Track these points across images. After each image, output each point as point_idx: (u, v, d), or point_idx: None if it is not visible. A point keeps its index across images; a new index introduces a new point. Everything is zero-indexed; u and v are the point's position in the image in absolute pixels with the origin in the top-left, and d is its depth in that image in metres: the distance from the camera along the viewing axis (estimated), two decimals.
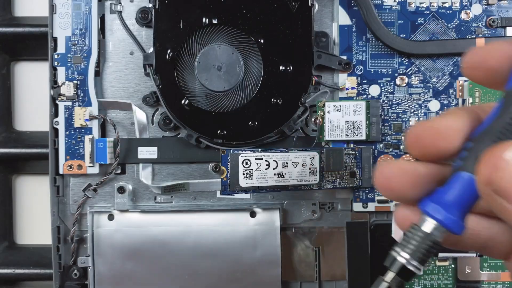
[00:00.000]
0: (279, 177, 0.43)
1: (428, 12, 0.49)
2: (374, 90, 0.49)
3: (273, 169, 0.43)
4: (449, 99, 0.49)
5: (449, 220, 0.20)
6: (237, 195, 0.50)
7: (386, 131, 0.49)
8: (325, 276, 0.51)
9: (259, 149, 0.42)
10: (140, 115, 0.49)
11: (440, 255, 0.49)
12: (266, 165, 0.42)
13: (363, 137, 0.48)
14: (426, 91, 0.49)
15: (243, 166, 0.42)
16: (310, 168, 0.44)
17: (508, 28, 0.48)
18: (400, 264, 0.20)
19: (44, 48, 0.50)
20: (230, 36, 0.46)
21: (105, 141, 0.49)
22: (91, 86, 0.49)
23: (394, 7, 0.49)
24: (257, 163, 0.42)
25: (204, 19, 0.45)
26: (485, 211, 0.21)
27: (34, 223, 0.58)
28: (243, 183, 0.42)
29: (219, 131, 0.46)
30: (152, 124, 0.50)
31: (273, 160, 0.43)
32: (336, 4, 0.49)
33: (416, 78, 0.49)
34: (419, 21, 0.49)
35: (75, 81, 0.49)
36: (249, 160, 0.42)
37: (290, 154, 0.43)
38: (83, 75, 0.49)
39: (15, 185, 0.59)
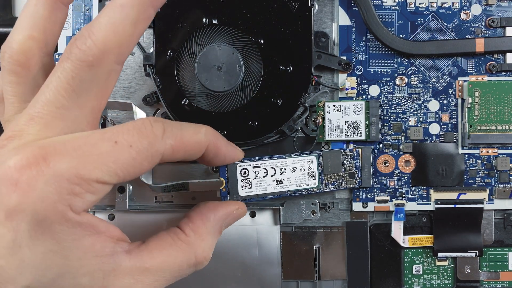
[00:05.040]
0: (278, 183, 0.43)
1: (427, 12, 0.49)
2: (374, 90, 0.49)
3: (271, 176, 0.43)
4: (448, 99, 0.49)
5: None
6: None
7: (385, 131, 0.49)
8: (325, 276, 0.51)
9: (256, 157, 0.42)
10: (140, 115, 0.49)
11: (440, 254, 0.49)
12: (264, 172, 0.42)
13: (363, 137, 0.48)
14: (425, 91, 0.49)
15: (241, 175, 0.42)
16: (308, 172, 0.44)
17: (507, 28, 0.48)
18: None
19: None
20: (230, 36, 0.46)
21: None
22: None
23: (393, 8, 0.49)
24: (255, 172, 0.42)
25: (204, 20, 0.45)
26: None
27: None
28: (242, 192, 0.42)
29: (219, 131, 0.46)
30: None
31: (271, 167, 0.43)
32: (336, 5, 0.49)
33: (416, 78, 0.49)
34: (419, 22, 0.49)
35: None
36: (247, 169, 0.42)
37: (287, 160, 0.43)
38: None
39: None
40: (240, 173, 0.42)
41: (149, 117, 0.30)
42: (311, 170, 0.44)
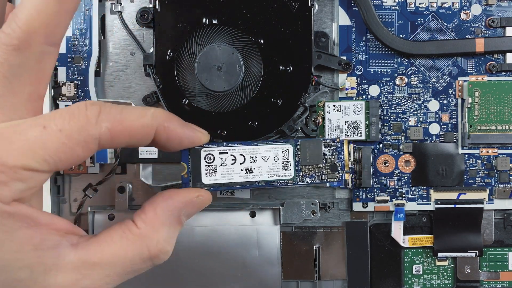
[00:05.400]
0: (247, 172, 0.39)
1: (427, 12, 0.49)
2: (374, 90, 0.49)
3: (240, 164, 0.39)
4: (448, 99, 0.49)
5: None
6: (237, 195, 0.50)
7: (385, 131, 0.49)
8: (325, 276, 0.51)
9: (224, 143, 0.38)
10: None
11: (440, 254, 0.49)
12: (232, 159, 0.38)
13: (363, 137, 0.48)
14: (425, 91, 0.49)
15: (206, 161, 0.38)
16: (283, 162, 0.39)
17: (507, 28, 0.48)
18: None
19: None
20: (230, 36, 0.46)
21: None
22: (92, 86, 0.49)
23: (393, 8, 0.49)
24: (221, 158, 0.38)
25: (204, 20, 0.45)
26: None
27: None
28: (206, 180, 0.38)
29: (219, 131, 0.46)
30: None
31: (240, 155, 0.38)
32: (336, 5, 0.49)
33: (416, 78, 0.49)
34: (419, 22, 0.49)
35: (75, 81, 0.49)
36: (212, 155, 0.38)
37: (259, 148, 0.39)
38: (84, 75, 0.49)
39: None
40: (205, 159, 0.38)
41: (88, 100, 0.29)
42: (286, 160, 0.39)
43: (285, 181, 0.40)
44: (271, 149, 0.39)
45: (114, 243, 0.30)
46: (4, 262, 0.26)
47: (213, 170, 0.38)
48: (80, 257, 0.28)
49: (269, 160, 0.39)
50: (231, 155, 0.38)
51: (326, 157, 0.41)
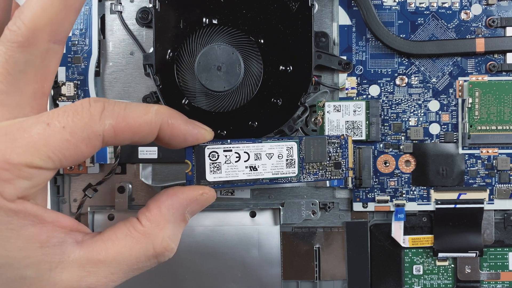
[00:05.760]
0: (251, 170, 0.39)
1: (427, 12, 0.49)
2: (374, 90, 0.49)
3: (244, 161, 0.38)
4: (448, 99, 0.49)
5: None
6: (237, 195, 0.50)
7: (386, 131, 0.49)
8: (325, 276, 0.51)
9: (228, 140, 0.38)
10: None
11: (440, 255, 0.49)
12: (236, 157, 0.38)
13: (363, 137, 0.48)
14: (425, 91, 0.49)
15: (210, 159, 0.37)
16: (287, 160, 0.39)
17: (508, 28, 0.48)
18: None
19: None
20: (230, 36, 0.46)
21: None
22: (92, 86, 0.49)
23: (394, 7, 0.49)
24: (225, 156, 0.38)
25: (204, 19, 0.45)
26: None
27: None
28: (210, 177, 0.37)
29: (219, 131, 0.46)
30: None
31: (244, 152, 0.38)
32: (336, 4, 0.49)
33: (416, 78, 0.49)
34: (419, 21, 0.49)
35: (75, 81, 0.49)
36: (217, 153, 0.37)
37: (263, 145, 0.39)
38: (83, 75, 0.49)
39: None
40: (209, 156, 0.37)
41: (92, 97, 0.28)
42: (290, 157, 0.39)
43: (289, 178, 0.40)
44: (276, 147, 0.39)
45: (119, 241, 0.30)
46: (10, 259, 0.26)
47: (217, 167, 0.38)
48: (85, 255, 0.28)
49: (273, 158, 0.39)
50: (235, 152, 0.38)
51: (330, 154, 0.41)
